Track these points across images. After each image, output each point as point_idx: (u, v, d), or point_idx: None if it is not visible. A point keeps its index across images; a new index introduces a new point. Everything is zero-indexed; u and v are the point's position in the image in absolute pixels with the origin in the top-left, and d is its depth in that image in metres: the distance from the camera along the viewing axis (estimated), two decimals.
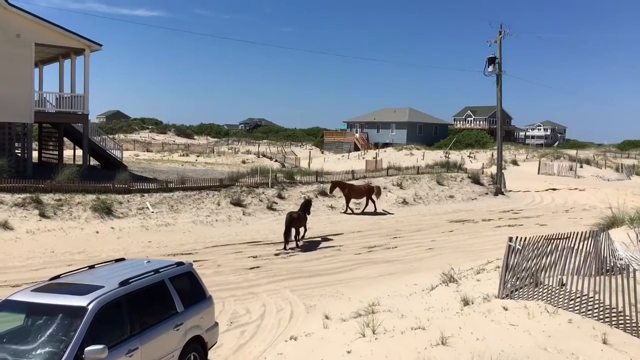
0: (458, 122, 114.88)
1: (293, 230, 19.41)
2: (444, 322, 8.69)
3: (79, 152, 33.03)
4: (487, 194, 34.85)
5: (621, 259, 10.16)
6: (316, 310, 12.37)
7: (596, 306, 8.31)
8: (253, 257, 17.78)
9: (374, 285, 14.68)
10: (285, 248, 19.02)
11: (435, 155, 57.05)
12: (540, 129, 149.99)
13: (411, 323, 8.85)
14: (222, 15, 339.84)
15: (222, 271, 15.90)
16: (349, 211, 26.81)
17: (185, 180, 26.23)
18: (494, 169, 40.40)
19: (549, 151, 67.92)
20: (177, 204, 23.66)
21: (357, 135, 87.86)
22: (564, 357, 7.15)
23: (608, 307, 8.10)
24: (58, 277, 8.04)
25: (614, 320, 7.98)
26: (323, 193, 28.16)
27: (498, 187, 36.06)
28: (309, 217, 21.19)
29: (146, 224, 21.33)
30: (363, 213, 27.00)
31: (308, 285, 14.79)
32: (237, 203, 25.04)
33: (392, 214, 27.57)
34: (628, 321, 7.83)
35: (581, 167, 51.51)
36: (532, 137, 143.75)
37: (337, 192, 27.46)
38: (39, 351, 6.43)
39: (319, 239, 20.96)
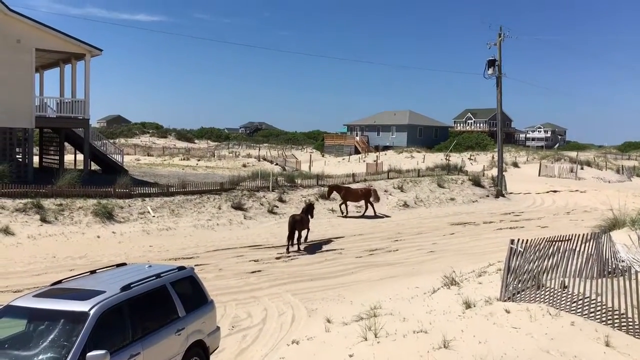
0: (458, 125, 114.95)
1: (296, 233, 19.42)
2: (446, 325, 8.67)
3: (80, 156, 33.04)
4: (488, 196, 34.84)
5: (623, 261, 10.14)
6: (318, 314, 12.36)
7: (598, 308, 8.30)
8: (254, 260, 17.76)
9: (375, 288, 14.67)
10: (288, 251, 19.04)
11: (435, 158, 57.09)
12: (541, 131, 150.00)
13: (413, 326, 8.84)
14: (222, 19, 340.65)
15: (224, 275, 15.89)
16: (347, 214, 26.78)
17: (186, 184, 26.23)
18: (494, 171, 40.39)
19: (549, 153, 67.94)
20: (178, 208, 23.66)
21: (358, 138, 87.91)
22: None
23: (610, 309, 8.08)
24: (60, 282, 8.04)
25: (616, 323, 7.96)
26: (324, 196, 28.16)
27: (499, 189, 36.05)
28: (311, 220, 21.21)
29: (147, 229, 21.33)
30: (363, 216, 26.98)
31: (309, 289, 14.77)
32: (238, 207, 25.04)
33: (390, 216, 27.53)
34: (631, 323, 7.81)
35: (582, 169, 51.48)
36: (533, 139, 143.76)
37: (337, 195, 27.47)
38: (40, 357, 6.42)
39: (320, 242, 20.95)
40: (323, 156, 79.03)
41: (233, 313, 12.70)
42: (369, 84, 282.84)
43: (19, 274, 15.22)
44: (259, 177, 29.10)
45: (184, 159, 58.32)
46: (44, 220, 20.14)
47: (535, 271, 9.61)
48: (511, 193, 36.88)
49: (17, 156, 27.65)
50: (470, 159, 60.95)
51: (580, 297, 8.58)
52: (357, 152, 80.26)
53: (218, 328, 9.49)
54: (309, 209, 21.16)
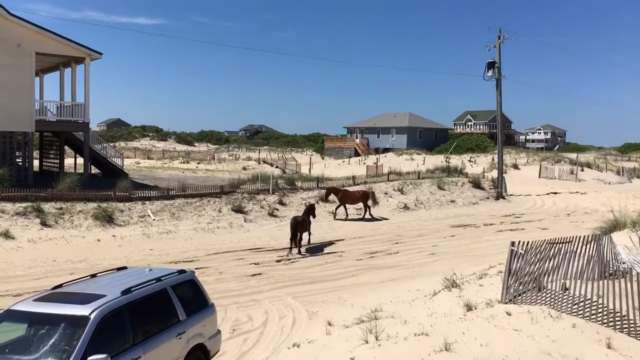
0: (458, 127, 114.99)
1: (297, 235, 19.47)
2: (447, 327, 8.65)
3: (80, 160, 33.05)
4: (488, 198, 34.83)
5: (624, 263, 10.13)
6: (318, 317, 12.34)
7: (600, 310, 8.28)
8: (255, 264, 17.75)
9: (376, 291, 14.65)
10: (291, 252, 19.14)
11: (435, 160, 57.09)
12: (541, 133, 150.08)
13: (414, 329, 8.82)
14: (222, 23, 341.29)
15: (224, 278, 15.87)
16: (343, 217, 26.76)
17: (186, 188, 26.23)
18: (494, 173, 40.38)
19: (549, 155, 67.95)
20: (179, 212, 23.65)
21: (358, 140, 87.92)
22: None
23: (612, 311, 8.07)
24: (60, 286, 8.04)
25: (617, 325, 7.95)
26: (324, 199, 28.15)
27: (499, 191, 36.04)
28: (312, 221, 21.22)
29: (147, 232, 21.32)
30: (363, 219, 26.96)
31: (310, 292, 14.76)
32: (239, 210, 25.04)
33: (389, 219, 27.49)
34: (632, 325, 7.79)
35: (582, 170, 51.47)
36: (533, 140, 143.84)
37: (335, 198, 27.46)
38: None
39: (321, 244, 20.93)
40: (323, 159, 79.02)
41: (234, 316, 12.68)
42: (369, 86, 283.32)
43: (19, 277, 15.20)
44: (259, 180, 29.10)
45: (184, 162, 58.32)
46: (44, 224, 20.13)
47: (536, 273, 9.59)
48: (511, 195, 36.87)
49: (17, 160, 27.66)
50: (470, 161, 60.95)
51: (581, 299, 8.57)
52: (357, 154, 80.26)
53: (219, 331, 9.48)
54: (310, 210, 21.18)
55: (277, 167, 56.99)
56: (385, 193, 31.31)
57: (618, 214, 15.45)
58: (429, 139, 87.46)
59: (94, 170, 33.34)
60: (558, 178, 48.64)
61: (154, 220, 22.43)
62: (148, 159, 62.20)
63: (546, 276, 9.53)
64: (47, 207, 21.14)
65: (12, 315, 7.20)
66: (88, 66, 29.28)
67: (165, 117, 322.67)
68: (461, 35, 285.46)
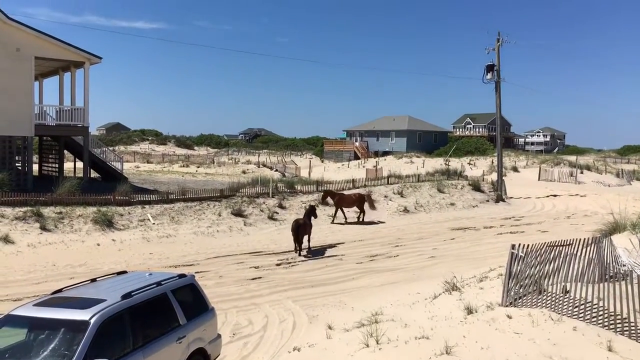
0: (457, 130, 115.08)
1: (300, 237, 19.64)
2: (448, 331, 8.64)
3: (80, 164, 33.05)
4: (488, 201, 34.83)
5: (624, 265, 10.12)
6: (319, 321, 12.32)
7: (600, 313, 8.26)
8: (255, 267, 17.74)
9: (376, 294, 14.64)
10: (298, 254, 19.35)
11: (435, 163, 57.10)
12: (540, 135, 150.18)
13: (415, 332, 8.80)
14: (221, 26, 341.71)
15: (224, 282, 15.85)
16: (343, 220, 26.73)
17: (185, 191, 26.23)
18: (494, 176, 40.39)
19: (548, 157, 67.96)
20: (178, 215, 23.64)
21: (357, 143, 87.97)
22: None
23: (612, 314, 8.05)
24: (60, 290, 8.03)
25: (618, 327, 7.93)
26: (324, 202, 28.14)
27: (499, 194, 36.04)
28: (312, 225, 21.24)
29: (147, 236, 21.30)
30: (363, 222, 26.92)
31: (310, 295, 14.74)
32: (238, 213, 25.03)
33: (385, 222, 27.45)
34: (633, 328, 7.78)
35: (581, 173, 51.49)
36: (532, 143, 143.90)
37: (332, 200, 27.44)
38: None
39: (321, 248, 20.92)
40: (322, 162, 79.05)
41: (234, 320, 12.66)
42: (368, 89, 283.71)
43: (19, 282, 15.18)
44: (259, 184, 29.10)
45: (183, 166, 58.35)
46: (43, 228, 20.11)
47: (536, 276, 9.58)
48: (511, 197, 36.87)
49: (17, 164, 27.65)
50: (469, 163, 60.98)
51: (582, 302, 8.55)
52: (356, 157, 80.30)
53: (219, 336, 9.46)
54: (311, 212, 21.24)
55: (276, 170, 57.02)
56: (385, 196, 31.31)
57: (618, 217, 15.46)
58: (429, 142, 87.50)
59: (94, 174, 33.33)
60: (558, 180, 48.66)
61: (153, 224, 22.42)
62: (147, 162, 62.22)
63: (547, 279, 9.52)
64: (47, 211, 21.13)
65: (12, 320, 7.19)
66: (87, 70, 29.30)
67: (165, 120, 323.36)
68: (460, 38, 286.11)
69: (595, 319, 8.26)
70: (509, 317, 8.82)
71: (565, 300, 8.84)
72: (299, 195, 29.01)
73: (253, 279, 16.35)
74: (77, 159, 34.68)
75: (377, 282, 16.17)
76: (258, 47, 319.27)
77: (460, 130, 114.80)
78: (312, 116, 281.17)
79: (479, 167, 57.35)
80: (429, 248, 21.33)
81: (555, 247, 10.00)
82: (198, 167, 58.58)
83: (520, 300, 9.50)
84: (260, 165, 62.41)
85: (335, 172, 56.03)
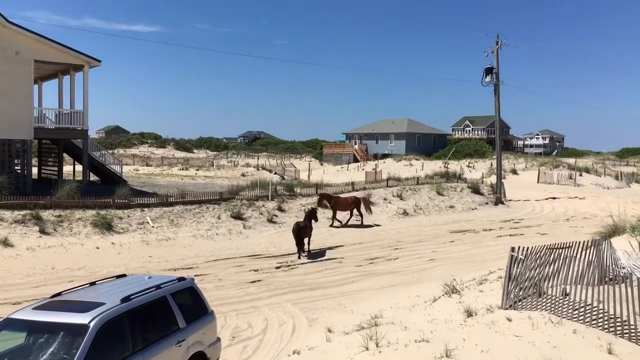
0: (456, 132, 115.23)
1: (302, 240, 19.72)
2: (448, 334, 8.63)
3: (79, 167, 33.03)
4: (487, 203, 34.84)
5: (624, 268, 10.13)
6: (318, 324, 12.31)
7: (600, 316, 8.26)
8: (254, 270, 17.72)
9: (376, 297, 14.63)
10: (299, 257, 19.39)
11: (434, 166, 57.16)
12: (539, 138, 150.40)
13: (415, 335, 8.79)
14: (220, 29, 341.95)
15: (224, 285, 15.83)
16: (336, 223, 26.71)
17: (185, 194, 26.20)
18: (493, 179, 40.42)
19: (547, 160, 68.04)
20: (178, 218, 23.62)
21: (356, 146, 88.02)
22: None
23: (612, 316, 8.05)
24: (59, 294, 8.01)
25: (618, 330, 7.93)
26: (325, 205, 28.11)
27: (498, 196, 36.06)
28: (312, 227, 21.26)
29: (147, 239, 21.28)
30: (361, 225, 26.88)
31: (310, 298, 14.72)
32: (238, 216, 25.01)
33: (381, 225, 27.38)
34: (633, 331, 7.78)
35: (580, 175, 51.54)
36: (531, 146, 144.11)
37: (329, 204, 27.40)
38: None
39: (320, 251, 20.91)
40: (322, 165, 79.11)
41: (233, 323, 12.64)
42: (368, 92, 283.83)
43: (18, 285, 15.15)
44: (258, 187, 29.09)
45: (182, 169, 58.32)
46: (42, 231, 20.09)
47: (536, 279, 9.58)
48: (510, 200, 36.89)
49: (16, 167, 27.62)
50: (468, 166, 61.02)
51: (582, 305, 8.55)
52: (355, 160, 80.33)
53: (218, 339, 9.45)
54: (311, 215, 21.27)
55: (276, 173, 57.01)
56: (385, 199, 31.32)
57: (617, 219, 15.48)
58: (428, 145, 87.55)
59: (93, 177, 33.31)
60: (557, 183, 48.70)
61: (153, 227, 22.40)
62: (147, 165, 62.20)
63: (546, 281, 9.52)
64: (46, 214, 21.10)
65: (11, 324, 7.17)
66: (87, 73, 29.31)
67: (164, 124, 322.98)
68: (460, 41, 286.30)
69: (595, 322, 8.26)
70: (509, 319, 8.81)
71: (565, 302, 8.84)
72: (298, 198, 29.01)
73: (252, 282, 16.33)
74: (76, 162, 34.66)
75: (376, 285, 16.16)
76: (257, 49, 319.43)
77: (459, 132, 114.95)
78: (311, 119, 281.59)
79: (478, 169, 57.40)
80: (428, 251, 21.32)
81: (554, 250, 10.00)
82: (197, 170, 58.54)
83: (520, 302, 9.50)
84: (260, 168, 62.41)
85: (334, 175, 56.07)
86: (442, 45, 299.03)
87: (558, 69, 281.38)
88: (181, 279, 9.08)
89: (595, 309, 8.36)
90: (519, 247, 9.96)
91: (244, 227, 24.34)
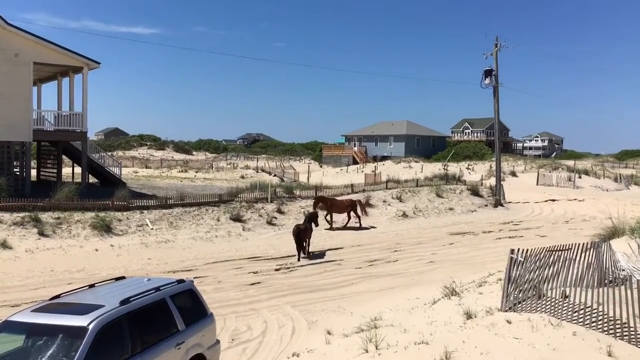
0: (456, 134, 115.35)
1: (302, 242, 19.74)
2: (448, 336, 8.62)
3: (78, 169, 33.03)
4: (486, 205, 34.85)
5: (623, 270, 10.11)
6: (318, 326, 12.29)
7: (600, 318, 8.25)
8: (253, 272, 17.70)
9: (375, 299, 14.61)
10: (299, 259, 19.39)
11: (433, 168, 57.13)
12: (538, 140, 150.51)
13: (414, 338, 8.78)
14: (219, 32, 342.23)
15: (223, 287, 15.82)
16: (346, 225, 26.71)
17: (184, 197, 26.19)
18: (492, 181, 40.43)
19: (547, 162, 68.09)
20: (177, 221, 23.60)
21: (356, 148, 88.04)
22: None
23: (612, 318, 8.04)
24: (58, 296, 8.00)
25: (618, 332, 7.92)
26: (321, 207, 28.08)
27: (497, 198, 36.07)
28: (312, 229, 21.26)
29: (146, 241, 21.26)
30: (359, 228, 26.83)
31: (309, 301, 14.71)
32: (237, 218, 24.99)
33: (376, 227, 27.33)
34: (633, 333, 7.77)
35: (580, 177, 51.55)
36: (530, 148, 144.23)
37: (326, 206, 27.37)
38: None
39: (320, 253, 20.89)
40: (321, 167, 79.08)
41: (233, 326, 12.63)
42: (367, 94, 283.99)
43: (16, 288, 15.13)
44: (258, 189, 29.08)
45: (182, 171, 58.29)
46: (41, 233, 20.07)
47: (535, 281, 9.57)
48: (510, 202, 36.89)
49: (15, 170, 27.63)
50: (468, 168, 61.02)
51: (581, 307, 8.54)
52: (355, 162, 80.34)
53: (218, 341, 9.43)
54: (312, 218, 21.27)
55: (275, 175, 57.00)
56: (384, 201, 31.31)
57: (616, 221, 15.46)
58: (427, 147, 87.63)
59: (92, 179, 33.31)
60: (556, 185, 48.71)
61: (152, 229, 22.38)
62: (146, 168, 62.18)
63: (546, 284, 9.51)
64: (45, 216, 21.08)
65: (9, 326, 7.16)
66: (86, 75, 29.32)
67: (163, 126, 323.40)
68: (459, 43, 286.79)
69: (594, 324, 8.25)
70: (509, 322, 8.80)
71: (564, 305, 8.83)
72: (298, 200, 28.99)
73: (252, 284, 16.31)
74: (75, 164, 34.67)
75: (376, 287, 16.14)
76: (256, 52, 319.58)
77: (459, 135, 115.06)
78: (310, 121, 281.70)
79: (477, 171, 57.39)
80: (427, 253, 21.31)
81: (554, 252, 10.00)
82: (196, 172, 58.52)
83: (520, 305, 9.49)
84: (259, 170, 62.40)
85: (333, 177, 56.04)
86: (442, 45, 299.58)
87: (557, 71, 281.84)
88: (180, 281, 9.06)
89: (595, 311, 8.35)
90: (519, 249, 9.96)
91: (243, 229, 24.32)
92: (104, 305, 7.28)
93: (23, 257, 18.30)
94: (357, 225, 27.15)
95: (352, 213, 27.08)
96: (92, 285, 8.64)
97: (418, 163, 67.30)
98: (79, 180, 30.78)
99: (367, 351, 8.47)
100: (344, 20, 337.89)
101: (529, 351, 7.65)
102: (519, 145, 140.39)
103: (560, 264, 9.64)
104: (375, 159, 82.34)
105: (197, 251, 20.61)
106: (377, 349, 8.49)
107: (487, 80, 37.26)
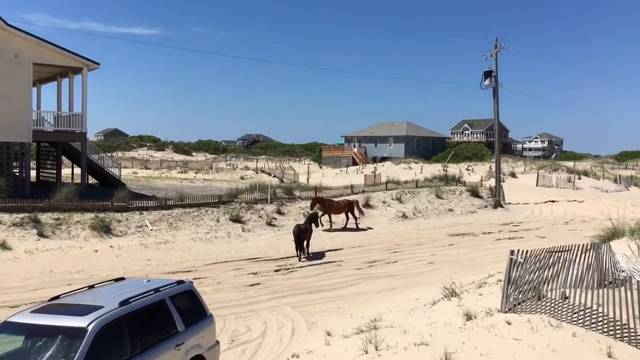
0: (455, 135, 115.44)
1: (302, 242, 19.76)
2: (447, 337, 8.61)
3: (77, 170, 33.02)
4: (486, 206, 34.85)
5: (623, 271, 10.11)
6: (318, 327, 12.28)
7: (600, 319, 8.25)
8: (253, 273, 17.69)
9: (375, 300, 14.61)
10: (299, 259, 19.44)
11: (433, 169, 57.14)
12: (537, 141, 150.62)
13: (414, 339, 8.77)
14: (219, 33, 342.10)
15: (222, 288, 15.80)
16: (333, 227, 26.66)
17: (184, 197, 26.18)
18: (492, 182, 40.44)
19: (546, 163, 68.13)
20: (176, 221, 23.59)
21: (355, 149, 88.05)
22: None
23: (612, 320, 8.04)
24: (57, 297, 7.99)
25: (618, 333, 7.92)
26: (320, 209, 28.06)
27: (497, 199, 36.07)
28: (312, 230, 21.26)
29: (145, 242, 21.24)
30: (355, 229, 26.79)
31: (309, 302, 14.70)
32: (236, 219, 24.99)
33: (373, 228, 27.28)
34: (633, 334, 7.77)
35: (579, 178, 51.56)
36: (530, 149, 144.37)
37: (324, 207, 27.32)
38: None
39: (319, 254, 20.88)
40: (321, 168, 79.07)
41: (232, 327, 12.62)
42: (367, 95, 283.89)
43: (16, 289, 15.11)
44: (257, 190, 29.07)
45: (181, 172, 58.30)
46: (41, 234, 20.05)
47: (535, 282, 9.57)
48: (509, 203, 36.89)
49: (14, 170, 27.63)
50: (467, 169, 61.03)
51: (581, 308, 8.54)
52: (354, 163, 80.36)
53: (217, 342, 9.42)
54: (312, 219, 21.27)
55: (275, 176, 57.00)
56: (384, 202, 31.30)
57: (616, 222, 15.47)
58: (427, 148, 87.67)
59: (92, 180, 33.30)
60: (555, 186, 48.71)
61: (151, 230, 22.37)
62: (145, 168, 62.19)
63: (546, 285, 9.51)
64: (44, 217, 21.07)
65: (9, 327, 7.14)
66: (85, 76, 29.33)
67: (163, 127, 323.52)
68: (459, 45, 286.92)
69: (594, 325, 8.24)
70: (508, 323, 8.80)
71: (564, 306, 8.83)
72: (297, 201, 28.98)
73: (251, 285, 16.30)
74: (75, 165, 34.66)
75: (375, 288, 16.13)
76: (256, 52, 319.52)
77: (458, 136, 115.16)
78: (310, 122, 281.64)
79: (477, 172, 57.40)
80: (427, 254, 21.30)
81: (554, 253, 9.99)
82: (196, 173, 58.53)
83: (520, 306, 9.48)
84: (259, 171, 62.41)
85: (333, 178, 56.03)
86: (442, 45, 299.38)
87: (557, 72, 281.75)
88: (180, 282, 9.05)
89: (595, 312, 8.34)
90: (518, 251, 9.95)
91: (243, 230, 24.31)
92: (103, 306, 7.27)
93: (22, 258, 18.28)
94: (356, 225, 27.14)
95: (350, 214, 27.08)
96: (91, 286, 8.63)
97: (418, 164, 67.33)
98: (79, 181, 30.77)
99: (366, 352, 8.46)
100: (344, 20, 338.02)
101: (528, 352, 7.64)
102: (519, 146, 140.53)
103: (560, 265, 9.64)
104: (375, 160, 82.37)
105: (197, 252, 20.60)
106: (376, 350, 8.49)
107: (487, 82, 37.29)
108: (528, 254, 9.83)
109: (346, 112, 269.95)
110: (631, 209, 30.87)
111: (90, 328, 6.74)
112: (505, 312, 9.51)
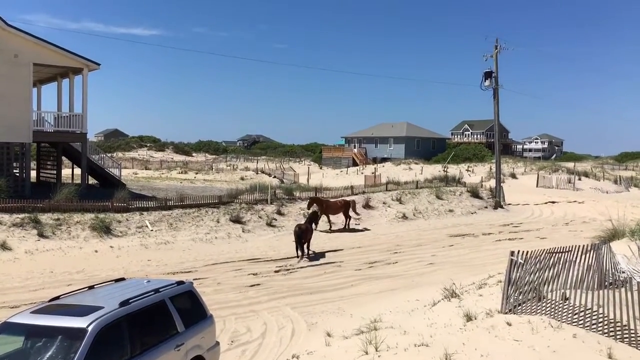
0: (456, 136, 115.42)
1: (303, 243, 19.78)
2: (447, 338, 8.61)
3: (78, 171, 33.03)
4: (486, 207, 34.84)
5: (623, 272, 10.11)
6: (318, 328, 12.28)
7: (600, 320, 8.24)
8: (253, 274, 17.69)
9: (375, 301, 14.60)
10: (300, 259, 19.48)
11: (433, 170, 57.12)
12: (538, 142, 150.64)
13: (414, 340, 8.77)
14: (219, 33, 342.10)
15: (222, 289, 15.80)
16: (346, 227, 26.68)
17: (184, 198, 26.18)
18: (492, 183, 40.43)
19: (546, 164, 68.14)
20: (177, 222, 23.59)
21: (356, 150, 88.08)
22: None
23: (612, 321, 8.03)
24: (57, 298, 7.99)
25: (618, 334, 7.91)
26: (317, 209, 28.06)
27: (497, 200, 36.07)
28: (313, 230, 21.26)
29: (145, 243, 21.24)
30: (353, 230, 26.77)
31: (309, 302, 14.70)
32: (237, 220, 24.98)
33: (370, 229, 27.25)
34: (633, 335, 7.76)
35: (579, 179, 51.56)
36: (530, 150, 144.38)
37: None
38: None
39: (319, 254, 20.88)
40: (321, 168, 79.07)
41: (232, 327, 12.61)
42: (367, 96, 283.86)
43: (16, 289, 15.11)
44: (257, 190, 29.07)
45: (181, 172, 58.31)
46: (41, 235, 20.05)
47: (536, 283, 9.56)
48: (509, 204, 36.89)
49: (15, 171, 27.63)
50: (468, 170, 61.03)
51: (581, 309, 8.53)
52: (354, 164, 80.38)
53: (217, 343, 9.42)
54: (313, 218, 21.28)
55: (275, 177, 57.01)
56: (384, 203, 31.30)
57: (616, 223, 15.47)
58: (427, 149, 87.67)
59: (92, 180, 33.29)
60: (556, 187, 48.71)
61: (151, 230, 22.37)
62: (146, 169, 62.20)
63: (546, 286, 9.50)
64: (45, 218, 21.07)
65: (9, 328, 7.14)
66: (86, 77, 29.33)
67: (163, 127, 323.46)
68: (459, 45, 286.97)
69: (595, 326, 8.23)
70: (509, 324, 8.79)
71: (564, 307, 8.82)
72: (298, 201, 28.98)
73: (251, 285, 16.30)
74: (75, 166, 34.67)
75: (376, 289, 16.13)
76: (256, 53, 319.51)
77: (459, 136, 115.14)
78: (310, 123, 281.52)
79: (477, 173, 57.41)
80: (427, 255, 21.30)
81: (554, 254, 9.98)
82: (196, 173, 58.54)
83: (520, 307, 9.48)
84: (259, 172, 62.41)
85: (333, 179, 56.03)
86: (442, 45, 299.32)
87: (557, 72, 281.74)
88: (180, 282, 9.05)
89: (595, 313, 8.34)
90: (519, 251, 9.95)
91: (243, 231, 24.31)
92: (103, 307, 7.27)
93: (22, 259, 18.28)
94: (355, 225, 27.15)
95: (349, 214, 27.08)
96: (91, 287, 8.62)
97: (418, 165, 67.33)
98: (79, 181, 30.77)
99: (367, 353, 8.46)
100: (344, 20, 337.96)
101: (529, 353, 7.64)
102: (519, 147, 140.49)
103: (560, 266, 9.63)
104: (375, 160, 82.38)
105: (197, 253, 20.59)
106: (377, 350, 8.48)
107: (487, 82, 37.28)
108: (528, 255, 9.83)
109: (346, 112, 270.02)
110: (631, 209, 30.87)
111: (90, 329, 6.73)
112: (506, 313, 9.50)
